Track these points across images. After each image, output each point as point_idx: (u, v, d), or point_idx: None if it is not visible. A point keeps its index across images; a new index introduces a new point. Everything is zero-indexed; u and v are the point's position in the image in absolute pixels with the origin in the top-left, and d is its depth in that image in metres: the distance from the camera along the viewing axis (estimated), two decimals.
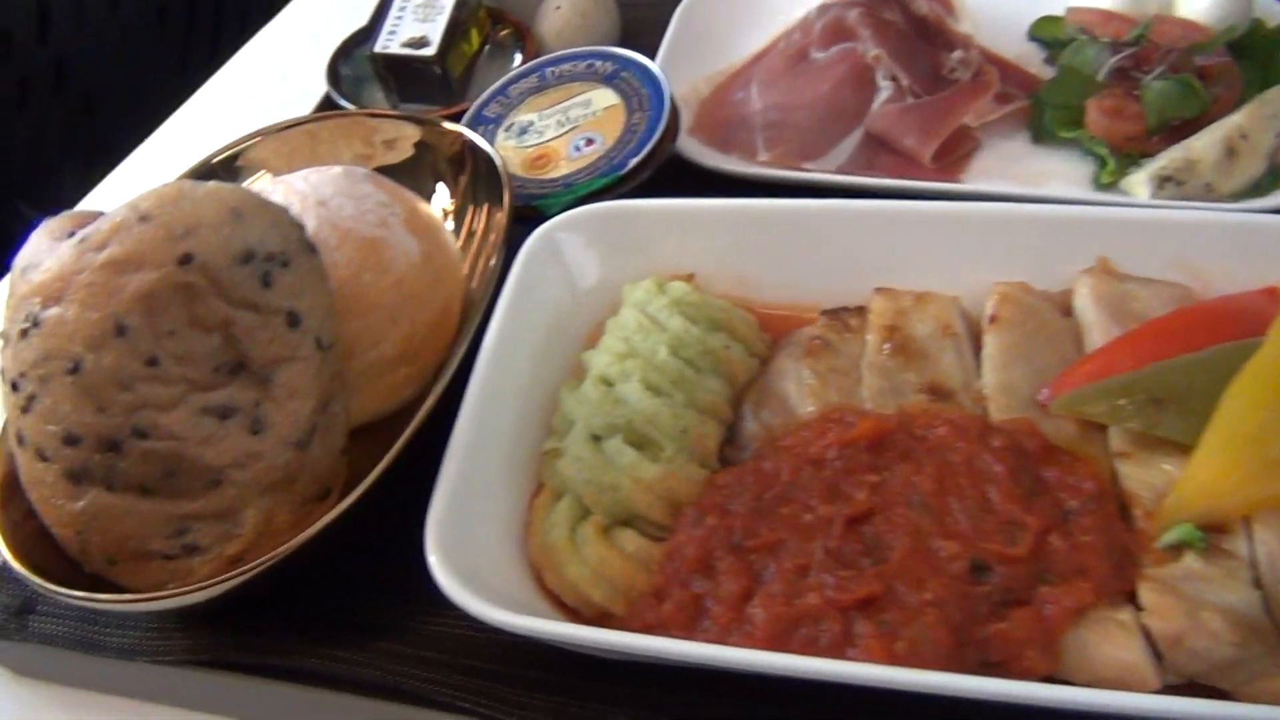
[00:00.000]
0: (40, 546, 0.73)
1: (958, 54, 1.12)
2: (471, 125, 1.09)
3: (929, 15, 1.15)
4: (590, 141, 1.04)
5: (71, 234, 0.69)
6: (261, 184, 0.88)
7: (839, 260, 0.90)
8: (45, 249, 0.68)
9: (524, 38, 1.23)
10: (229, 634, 0.76)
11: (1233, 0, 1.16)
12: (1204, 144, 1.01)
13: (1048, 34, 1.22)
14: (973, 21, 1.17)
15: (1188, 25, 1.15)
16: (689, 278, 0.90)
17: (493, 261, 0.87)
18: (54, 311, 0.66)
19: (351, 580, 0.79)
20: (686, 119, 1.16)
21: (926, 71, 1.11)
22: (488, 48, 1.24)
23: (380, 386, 0.83)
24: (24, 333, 0.67)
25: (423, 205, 0.92)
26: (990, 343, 0.82)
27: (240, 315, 0.69)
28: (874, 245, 0.90)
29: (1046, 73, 1.18)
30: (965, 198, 1.01)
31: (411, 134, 0.99)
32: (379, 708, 0.73)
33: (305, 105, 1.23)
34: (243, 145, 0.99)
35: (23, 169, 1.79)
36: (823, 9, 1.18)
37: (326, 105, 1.21)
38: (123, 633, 0.77)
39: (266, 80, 1.39)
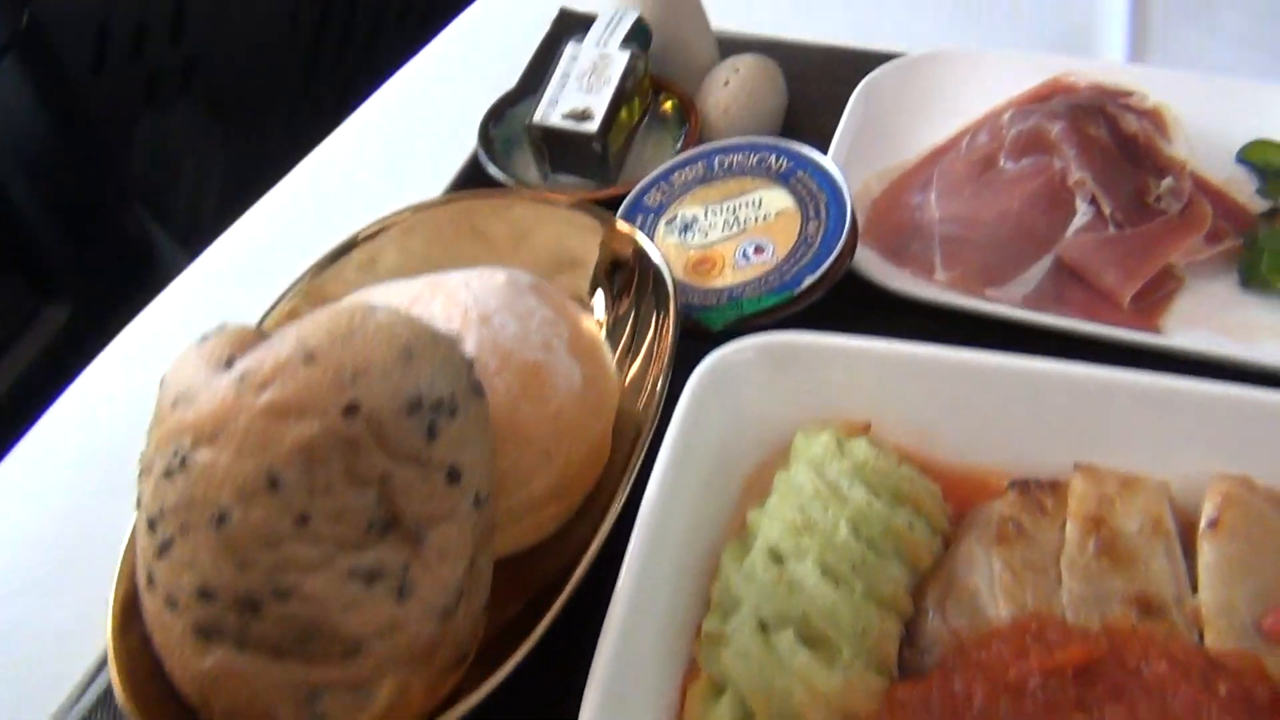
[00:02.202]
0: (156, 681, 0.67)
1: (1168, 182, 1.01)
2: (630, 212, 1.02)
3: (1139, 134, 1.05)
4: (760, 249, 0.96)
5: (229, 361, 0.63)
6: (419, 287, 0.81)
7: (1033, 424, 0.81)
8: (200, 379, 0.62)
9: (688, 111, 1.15)
10: None
11: None
12: None
13: (1263, 160, 1.11)
14: (1188, 144, 1.06)
15: None
16: (866, 428, 0.82)
17: (658, 386, 0.80)
18: (205, 455, 0.60)
19: None
20: (858, 223, 1.07)
21: (1130, 197, 1.01)
22: (648, 118, 1.17)
23: (524, 525, 0.76)
24: (169, 472, 0.61)
25: (587, 320, 0.85)
26: (1209, 552, 0.73)
27: (400, 470, 0.62)
28: (1074, 413, 0.81)
29: (1257, 204, 1.08)
30: (1172, 354, 0.93)
31: (581, 226, 0.92)
32: None
33: (450, 161, 1.17)
34: (393, 222, 0.93)
35: (144, 172, 1.76)
36: (1020, 114, 1.08)
37: (472, 167, 1.15)
38: None
39: (407, 128, 1.32)
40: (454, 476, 0.64)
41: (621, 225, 0.92)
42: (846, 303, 0.97)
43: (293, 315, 0.88)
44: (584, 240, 0.93)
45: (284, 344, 0.62)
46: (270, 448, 0.59)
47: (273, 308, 0.90)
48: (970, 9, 1.43)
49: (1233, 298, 1.00)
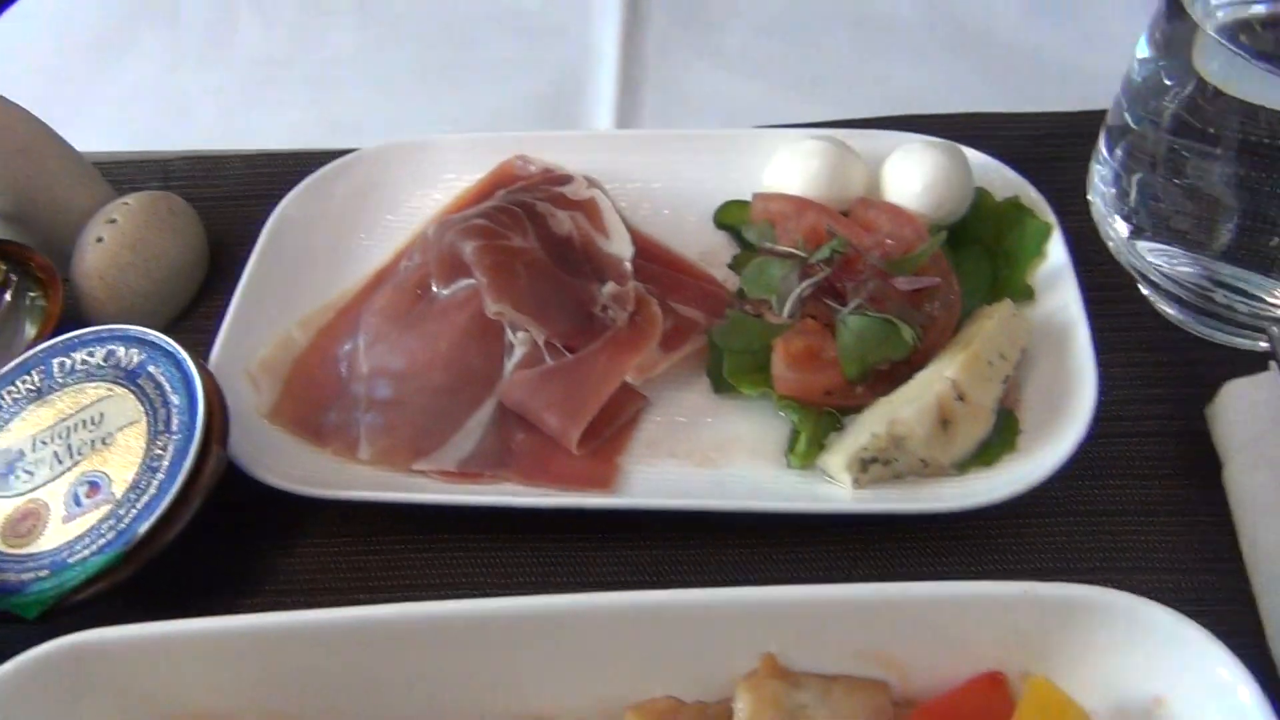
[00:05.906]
0: None
1: (609, 287, 0.86)
2: None
3: (573, 235, 0.90)
4: (95, 488, 0.74)
5: None
6: None
7: (430, 681, 0.65)
8: None
9: (50, 286, 0.91)
10: None
11: (950, 170, 0.94)
12: (912, 414, 0.78)
13: (736, 222, 0.98)
14: (630, 238, 0.91)
15: (895, 214, 0.93)
16: None
17: None
18: None
19: None
20: (269, 393, 0.87)
21: (571, 313, 0.86)
22: (9, 297, 0.93)
23: None
24: None
25: None
26: None
27: None
28: (478, 658, 0.64)
29: (733, 279, 0.95)
30: (621, 511, 0.78)
31: None
32: None
33: None
34: None
35: None
36: (442, 227, 0.90)
37: None
38: None
39: None
40: None
41: None
42: (237, 508, 0.78)
43: None
44: None
45: None
46: None
47: None
48: (430, 86, 1.25)
49: (705, 409, 0.86)
